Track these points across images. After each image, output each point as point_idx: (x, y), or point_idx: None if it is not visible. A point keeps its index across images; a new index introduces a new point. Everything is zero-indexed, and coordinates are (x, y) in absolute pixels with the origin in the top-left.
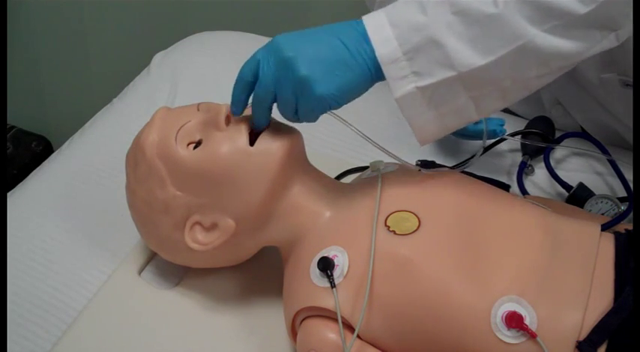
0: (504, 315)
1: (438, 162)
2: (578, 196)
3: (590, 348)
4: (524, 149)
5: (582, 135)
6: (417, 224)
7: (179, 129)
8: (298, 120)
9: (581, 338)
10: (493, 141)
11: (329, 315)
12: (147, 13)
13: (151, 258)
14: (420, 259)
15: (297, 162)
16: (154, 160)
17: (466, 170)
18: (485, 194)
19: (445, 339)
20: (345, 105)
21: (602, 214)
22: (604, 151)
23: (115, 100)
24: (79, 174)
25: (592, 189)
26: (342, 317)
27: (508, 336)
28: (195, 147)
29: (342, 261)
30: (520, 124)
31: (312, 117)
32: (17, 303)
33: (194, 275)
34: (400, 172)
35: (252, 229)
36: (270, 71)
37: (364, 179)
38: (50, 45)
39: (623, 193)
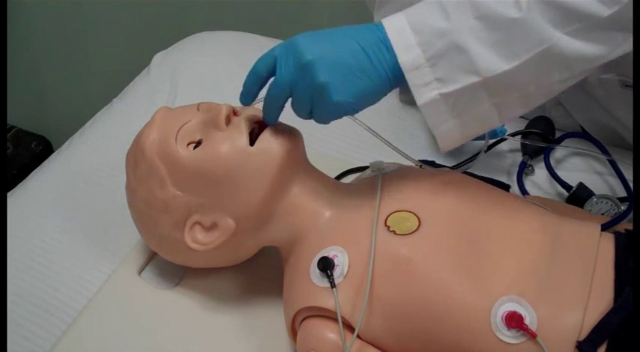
0: (504, 315)
1: (438, 162)
2: (578, 196)
3: (590, 348)
4: (524, 149)
5: (582, 135)
6: (417, 224)
7: (179, 129)
8: (311, 118)
9: (581, 338)
10: (493, 141)
11: (329, 315)
12: (147, 13)
13: (151, 258)
14: (420, 259)
15: (297, 162)
16: (154, 160)
17: (466, 170)
18: (485, 194)
19: (445, 339)
20: None
21: (602, 214)
22: (604, 151)
23: (115, 100)
24: (79, 174)
25: (592, 189)
26: (342, 317)
27: (508, 336)
28: (195, 147)
29: (342, 261)
30: (520, 124)
31: (326, 121)
32: (17, 303)
33: (194, 275)
34: (400, 172)
35: (252, 229)
36: (287, 72)
37: (364, 179)
38: (50, 45)
39: (623, 193)
